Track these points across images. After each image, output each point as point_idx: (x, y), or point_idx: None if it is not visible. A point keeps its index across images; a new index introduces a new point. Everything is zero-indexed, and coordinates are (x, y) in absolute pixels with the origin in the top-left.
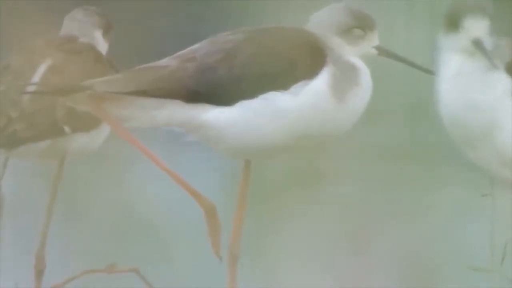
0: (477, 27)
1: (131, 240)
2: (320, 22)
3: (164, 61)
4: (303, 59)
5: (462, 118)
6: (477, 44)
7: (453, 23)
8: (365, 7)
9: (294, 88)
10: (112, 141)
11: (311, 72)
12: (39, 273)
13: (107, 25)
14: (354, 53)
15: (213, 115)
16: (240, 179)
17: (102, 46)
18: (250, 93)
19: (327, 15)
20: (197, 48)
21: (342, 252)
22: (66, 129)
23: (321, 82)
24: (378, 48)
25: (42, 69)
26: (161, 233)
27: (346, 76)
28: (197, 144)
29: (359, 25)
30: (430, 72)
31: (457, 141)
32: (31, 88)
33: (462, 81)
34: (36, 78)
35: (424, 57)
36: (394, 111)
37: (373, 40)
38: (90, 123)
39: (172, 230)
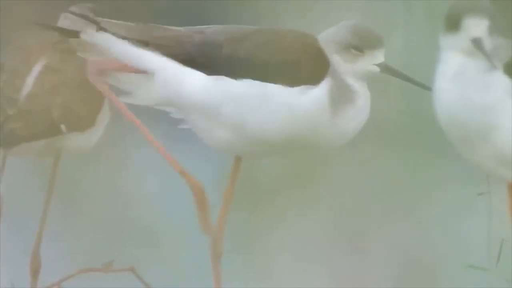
0: (477, 27)
1: (127, 239)
2: (324, 39)
3: (176, 27)
4: (308, 62)
5: (461, 117)
6: (477, 43)
7: (453, 23)
8: (364, 7)
9: (298, 89)
10: (108, 139)
11: (314, 78)
12: (35, 272)
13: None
14: (351, 70)
15: (211, 86)
16: (231, 178)
17: None
18: (253, 79)
19: (330, 32)
20: (209, 26)
21: (337, 252)
22: (63, 127)
23: (321, 91)
24: (380, 65)
25: (37, 69)
26: (157, 232)
27: (341, 93)
28: (192, 139)
29: (356, 43)
30: (429, 88)
31: (454, 141)
32: (28, 87)
33: (461, 81)
34: (31, 78)
35: (422, 57)
36: (390, 110)
37: (374, 58)
38: (85, 122)
39: (168, 229)
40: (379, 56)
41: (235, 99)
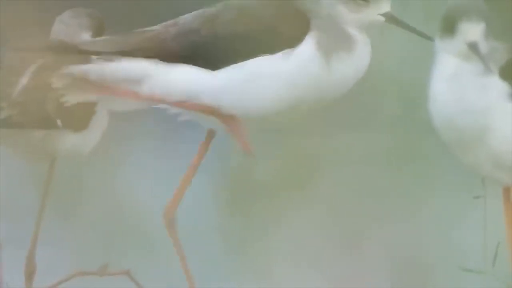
0: (472, 30)
1: (122, 242)
2: None
3: (151, 27)
4: (285, 24)
5: (456, 121)
6: (473, 47)
7: (448, 27)
8: None
9: (282, 53)
10: (103, 143)
11: (295, 38)
12: (30, 275)
13: (97, 27)
14: (358, 21)
15: (206, 82)
16: (200, 150)
17: None
18: (237, 55)
19: None
20: (182, 17)
21: (334, 254)
22: (59, 122)
23: (307, 48)
24: (386, 15)
25: (33, 67)
26: (152, 235)
27: (334, 41)
28: (190, 132)
29: None
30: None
31: (450, 144)
32: (23, 82)
33: (457, 84)
34: (27, 74)
35: (418, 59)
36: (386, 113)
37: (380, 7)
38: (78, 122)
39: (164, 232)
40: (385, 6)
41: (221, 90)
